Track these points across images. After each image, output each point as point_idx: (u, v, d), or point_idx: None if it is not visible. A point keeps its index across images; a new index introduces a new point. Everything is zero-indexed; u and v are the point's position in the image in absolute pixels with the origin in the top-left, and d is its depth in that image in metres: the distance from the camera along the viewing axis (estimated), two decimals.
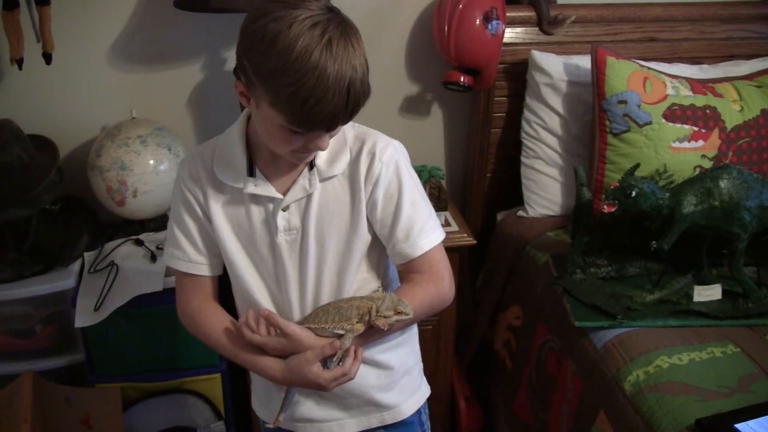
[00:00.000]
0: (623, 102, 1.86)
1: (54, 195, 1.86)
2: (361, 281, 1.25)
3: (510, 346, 2.01)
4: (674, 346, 1.53)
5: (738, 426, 1.29)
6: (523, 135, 2.12)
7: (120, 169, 1.87)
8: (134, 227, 1.99)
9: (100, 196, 1.93)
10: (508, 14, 2.00)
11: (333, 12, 1.06)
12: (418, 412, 1.38)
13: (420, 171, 2.04)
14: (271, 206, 1.20)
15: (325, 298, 1.23)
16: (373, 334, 1.20)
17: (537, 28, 2.11)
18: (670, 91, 1.89)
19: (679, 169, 1.86)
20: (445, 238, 1.27)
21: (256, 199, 1.21)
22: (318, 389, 1.18)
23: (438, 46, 2.04)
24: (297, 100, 1.02)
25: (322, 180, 1.20)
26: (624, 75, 1.88)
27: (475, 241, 1.98)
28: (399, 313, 1.15)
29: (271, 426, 1.31)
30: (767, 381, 1.43)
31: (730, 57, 2.16)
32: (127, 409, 1.89)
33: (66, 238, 1.90)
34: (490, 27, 1.94)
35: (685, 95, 1.89)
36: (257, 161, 1.20)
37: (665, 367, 1.47)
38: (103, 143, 1.90)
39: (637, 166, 1.69)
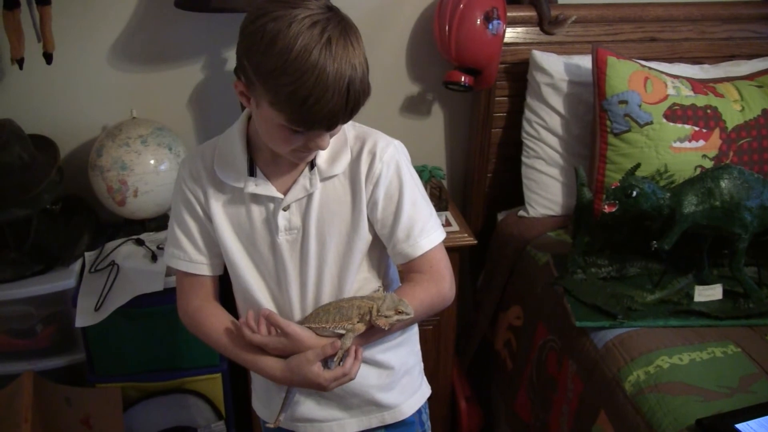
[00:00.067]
0: (624, 102, 1.86)
1: (54, 195, 1.86)
2: (362, 281, 1.25)
3: (511, 346, 2.00)
4: (675, 346, 1.53)
5: (738, 426, 1.29)
6: (524, 135, 2.12)
7: (121, 168, 1.87)
8: (135, 227, 1.99)
9: (100, 195, 1.93)
10: (508, 14, 2.00)
11: (332, 11, 1.06)
12: (419, 411, 1.38)
13: (421, 171, 2.04)
14: (271, 206, 1.20)
15: (326, 297, 1.23)
16: (373, 333, 1.20)
17: (538, 28, 2.10)
18: (670, 91, 1.89)
19: (680, 169, 1.85)
20: (445, 238, 1.27)
21: (256, 198, 1.21)
22: (318, 389, 1.18)
23: (439, 46, 2.03)
24: (296, 99, 1.02)
25: (323, 179, 1.20)
26: (625, 75, 1.87)
27: (475, 241, 1.98)
28: (400, 312, 1.15)
29: (271, 426, 1.31)
30: None
31: (731, 57, 2.16)
32: (127, 409, 1.89)
33: (66, 237, 1.90)
34: (491, 27, 1.94)
35: (686, 95, 1.89)
36: (258, 161, 1.20)
37: (666, 367, 1.47)
38: (104, 143, 1.90)
39: (638, 166, 1.69)
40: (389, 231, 1.22)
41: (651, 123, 1.85)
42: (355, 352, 1.17)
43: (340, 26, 1.04)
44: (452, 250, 1.69)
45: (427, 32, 2.13)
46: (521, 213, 2.14)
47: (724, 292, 1.67)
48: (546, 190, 2.10)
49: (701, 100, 1.89)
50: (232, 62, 2.05)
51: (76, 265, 1.89)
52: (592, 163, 1.96)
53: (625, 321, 1.59)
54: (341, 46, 1.02)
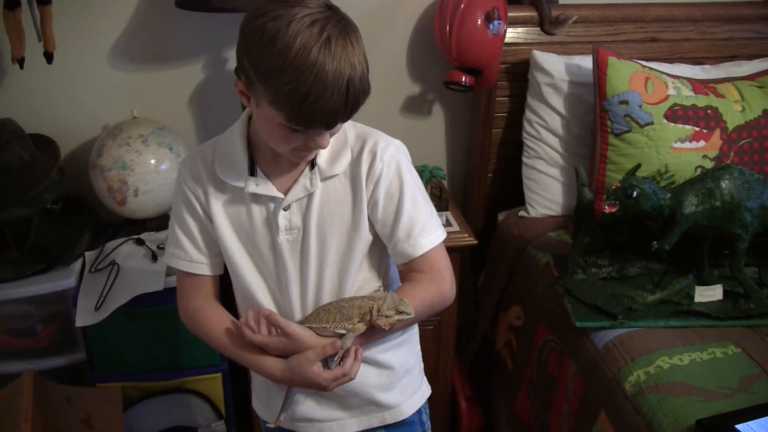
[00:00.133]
0: (625, 102, 1.86)
1: (55, 194, 1.85)
2: (362, 281, 1.25)
3: (511, 346, 2.00)
4: (675, 346, 1.53)
5: (739, 427, 1.28)
6: (525, 135, 2.12)
7: (121, 168, 1.87)
8: (135, 227, 1.99)
9: (101, 195, 1.93)
10: (509, 14, 2.00)
11: (332, 10, 1.06)
12: (419, 411, 1.38)
13: (421, 171, 2.04)
14: (272, 205, 1.20)
15: (326, 297, 1.23)
16: (374, 333, 1.19)
17: (538, 28, 2.10)
18: (671, 91, 1.88)
19: (681, 170, 1.85)
20: (446, 238, 1.27)
21: (257, 198, 1.21)
22: (318, 389, 1.18)
23: (439, 46, 2.03)
24: (296, 98, 1.02)
25: (324, 179, 1.20)
26: (625, 75, 1.87)
27: (476, 241, 1.98)
28: (400, 312, 1.15)
29: (271, 426, 1.31)
30: None
31: (732, 57, 2.16)
32: (127, 408, 1.89)
33: (67, 237, 1.90)
34: (491, 27, 1.94)
35: (687, 95, 1.89)
36: (258, 160, 1.20)
37: (666, 367, 1.47)
38: (105, 143, 1.90)
39: (639, 166, 1.69)
40: (390, 231, 1.22)
41: (651, 123, 1.85)
42: (355, 352, 1.17)
43: (340, 25, 1.04)
44: (453, 250, 1.69)
45: (427, 32, 2.13)
46: (522, 213, 2.14)
47: (725, 292, 1.67)
48: (546, 191, 2.10)
49: (702, 101, 1.88)
50: (232, 62, 2.05)
51: (77, 265, 1.89)
52: (593, 163, 1.96)
53: (626, 321, 1.59)
54: (340, 44, 1.02)
